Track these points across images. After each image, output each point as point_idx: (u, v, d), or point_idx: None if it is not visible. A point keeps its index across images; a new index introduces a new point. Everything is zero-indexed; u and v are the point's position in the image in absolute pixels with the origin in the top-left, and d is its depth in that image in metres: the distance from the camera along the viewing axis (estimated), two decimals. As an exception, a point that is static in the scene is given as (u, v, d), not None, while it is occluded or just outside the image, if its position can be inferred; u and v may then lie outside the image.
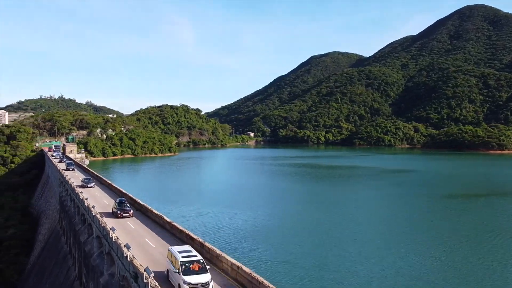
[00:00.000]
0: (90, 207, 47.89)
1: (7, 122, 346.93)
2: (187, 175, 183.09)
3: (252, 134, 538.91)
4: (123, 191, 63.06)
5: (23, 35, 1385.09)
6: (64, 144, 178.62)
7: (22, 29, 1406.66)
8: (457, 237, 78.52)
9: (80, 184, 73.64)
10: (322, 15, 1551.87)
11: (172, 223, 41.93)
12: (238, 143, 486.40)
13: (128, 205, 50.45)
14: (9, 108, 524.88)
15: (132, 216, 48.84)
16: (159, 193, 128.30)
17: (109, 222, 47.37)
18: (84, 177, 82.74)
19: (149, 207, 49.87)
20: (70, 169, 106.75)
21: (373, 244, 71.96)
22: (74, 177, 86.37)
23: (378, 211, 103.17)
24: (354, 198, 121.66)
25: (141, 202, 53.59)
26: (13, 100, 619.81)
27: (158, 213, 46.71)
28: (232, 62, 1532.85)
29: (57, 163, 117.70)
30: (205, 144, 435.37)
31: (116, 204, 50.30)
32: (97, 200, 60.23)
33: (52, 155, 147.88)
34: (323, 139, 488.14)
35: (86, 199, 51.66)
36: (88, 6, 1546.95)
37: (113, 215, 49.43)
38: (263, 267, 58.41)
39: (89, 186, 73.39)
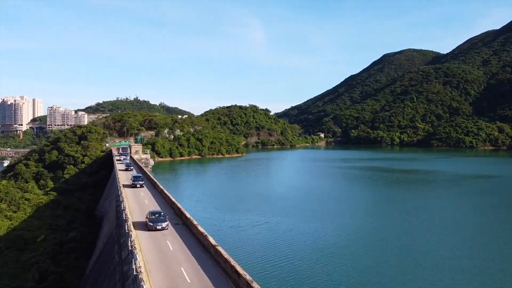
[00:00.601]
0: (128, 216, 41.35)
1: (86, 123, 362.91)
2: (251, 178, 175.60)
3: (322, 135, 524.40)
4: (172, 199, 55.75)
5: (101, 41, 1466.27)
6: (130, 145, 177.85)
7: (100, 34, 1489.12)
8: None
9: (130, 184, 71.98)
10: (395, 12, 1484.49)
11: (217, 247, 33.32)
12: (308, 144, 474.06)
13: (164, 216, 43.98)
14: (88, 110, 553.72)
15: (166, 228, 42.57)
16: (219, 197, 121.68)
17: (143, 237, 40.05)
18: (135, 174, 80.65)
19: (195, 223, 41.78)
20: (129, 169, 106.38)
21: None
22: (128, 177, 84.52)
23: (472, 229, 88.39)
24: (438, 209, 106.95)
25: (187, 215, 45.75)
26: (92, 102, 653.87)
27: (203, 231, 38.39)
28: (302, 62, 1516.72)
29: (118, 164, 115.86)
30: (273, 145, 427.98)
31: (150, 214, 44.18)
32: (139, 203, 54.98)
33: (118, 160, 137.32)
34: (397, 140, 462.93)
35: (124, 210, 44.87)
36: (160, 10, 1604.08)
37: (146, 227, 43.21)
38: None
39: (138, 186, 70.95)
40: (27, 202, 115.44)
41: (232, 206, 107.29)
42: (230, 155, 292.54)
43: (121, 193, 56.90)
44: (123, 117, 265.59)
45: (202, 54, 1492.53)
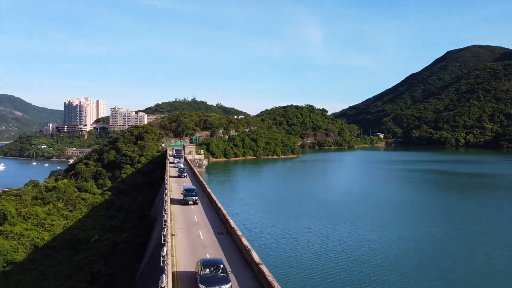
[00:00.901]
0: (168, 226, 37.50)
1: (145, 123, 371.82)
2: (306, 180, 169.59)
3: (381, 135, 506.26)
4: (219, 205, 51.63)
5: (162, 43, 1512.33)
6: (184, 145, 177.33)
7: (161, 37, 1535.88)
8: None
9: (181, 199, 60.85)
10: (458, 7, 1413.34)
11: (260, 266, 28.82)
12: (367, 145, 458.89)
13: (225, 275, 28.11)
14: (148, 111, 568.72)
15: None
16: (272, 200, 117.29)
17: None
18: (188, 187, 65.46)
19: (239, 233, 37.61)
20: (182, 176, 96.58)
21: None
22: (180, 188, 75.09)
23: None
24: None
25: (232, 223, 41.63)
26: (152, 103, 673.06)
27: (247, 244, 34.08)
28: (360, 61, 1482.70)
29: (170, 167, 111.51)
30: (331, 146, 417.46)
31: (202, 266, 28.17)
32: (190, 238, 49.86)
33: (172, 163, 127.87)
34: (462, 141, 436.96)
35: (165, 221, 41.29)
36: (219, 12, 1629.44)
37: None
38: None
39: (190, 203, 59.00)
40: (83, 201, 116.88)
41: (284, 210, 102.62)
42: (285, 156, 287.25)
43: (165, 223, 40.99)
44: (178, 117, 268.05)
45: (259, 55, 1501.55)
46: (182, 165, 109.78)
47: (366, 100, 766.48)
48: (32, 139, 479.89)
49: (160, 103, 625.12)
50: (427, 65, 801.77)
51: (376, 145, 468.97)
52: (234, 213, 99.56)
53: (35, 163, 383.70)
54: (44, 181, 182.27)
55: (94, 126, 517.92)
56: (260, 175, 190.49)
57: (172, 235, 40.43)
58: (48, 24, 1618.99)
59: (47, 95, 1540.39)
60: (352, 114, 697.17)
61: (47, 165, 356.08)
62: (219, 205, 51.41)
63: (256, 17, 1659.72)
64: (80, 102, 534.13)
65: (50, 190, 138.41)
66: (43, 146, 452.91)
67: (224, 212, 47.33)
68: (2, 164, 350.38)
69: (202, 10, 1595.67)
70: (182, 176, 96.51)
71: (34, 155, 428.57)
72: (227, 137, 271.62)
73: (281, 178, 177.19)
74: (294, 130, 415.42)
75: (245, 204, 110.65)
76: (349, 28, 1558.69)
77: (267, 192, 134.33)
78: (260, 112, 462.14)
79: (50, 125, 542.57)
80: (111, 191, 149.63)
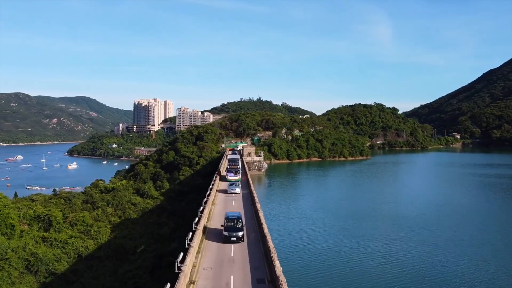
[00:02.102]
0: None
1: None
2: (376, 188, 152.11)
3: (458, 136, 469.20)
4: (268, 239, 37.98)
5: (229, 45, 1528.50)
6: (242, 147, 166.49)
7: (228, 39, 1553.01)
8: None
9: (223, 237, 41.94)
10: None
11: None
12: (441, 146, 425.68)
13: None
14: (213, 111, 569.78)
15: None
16: (334, 213, 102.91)
17: None
18: (232, 214, 44.05)
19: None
20: (232, 193, 72.12)
21: None
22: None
23: None
24: None
25: (278, 270, 29.14)
26: (218, 103, 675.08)
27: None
28: (432, 58, 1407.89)
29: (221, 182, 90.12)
30: (402, 147, 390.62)
31: None
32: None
33: (227, 167, 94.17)
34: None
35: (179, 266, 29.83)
36: (286, 12, 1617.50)
37: None
38: None
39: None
40: (133, 206, 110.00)
41: (346, 226, 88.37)
42: (353, 158, 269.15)
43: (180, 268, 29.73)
44: (240, 116, 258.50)
45: (326, 53, 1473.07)
46: (238, 189, 73.25)
47: (439, 98, 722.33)
48: (104, 138, 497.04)
49: (225, 103, 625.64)
50: (506, 60, 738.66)
51: (451, 146, 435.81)
52: (288, 229, 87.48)
53: (105, 162, 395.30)
54: (110, 180, 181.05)
55: (162, 126, 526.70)
56: (325, 180, 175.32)
57: (191, 283, 29.06)
58: (121, 28, 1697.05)
59: (120, 96, 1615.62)
60: (424, 113, 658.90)
61: (116, 164, 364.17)
62: (268, 238, 36.93)
63: (322, 16, 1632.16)
64: (148, 102, 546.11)
65: (109, 192, 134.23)
66: (113, 146, 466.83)
67: (272, 248, 33.82)
68: (75, 163, 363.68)
69: (267, 11, 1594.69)
70: (232, 192, 72.90)
71: (105, 154, 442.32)
72: (290, 138, 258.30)
73: (348, 185, 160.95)
74: (362, 130, 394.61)
75: (303, 217, 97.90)
76: (419, 25, 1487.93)
77: (331, 202, 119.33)
78: (326, 112, 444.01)
79: (121, 125, 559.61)
80: (168, 193, 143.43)
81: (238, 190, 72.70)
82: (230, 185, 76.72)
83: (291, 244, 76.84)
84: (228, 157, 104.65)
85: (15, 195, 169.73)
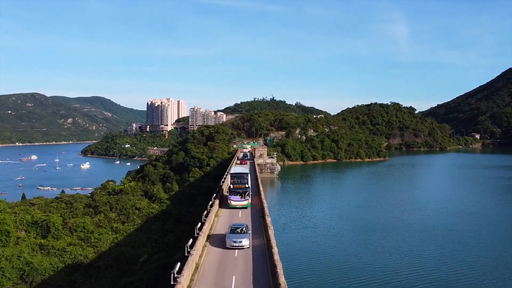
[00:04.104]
0: None
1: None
2: (398, 191, 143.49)
3: (477, 136, 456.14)
4: (276, 258, 31.53)
5: (244, 44, 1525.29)
6: (254, 148, 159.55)
7: (244, 38, 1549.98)
8: None
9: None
10: None
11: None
12: (460, 146, 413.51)
13: None
14: (226, 110, 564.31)
15: None
16: (349, 222, 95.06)
17: None
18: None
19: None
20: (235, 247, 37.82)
21: None
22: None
23: None
24: None
25: None
26: (231, 103, 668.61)
27: None
28: (449, 57, 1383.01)
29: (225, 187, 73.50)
30: (420, 147, 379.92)
31: None
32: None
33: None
34: None
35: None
36: (302, 11, 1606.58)
37: None
38: None
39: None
40: (137, 211, 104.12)
41: (365, 238, 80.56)
42: (370, 159, 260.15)
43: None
44: (252, 116, 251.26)
45: (342, 53, 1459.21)
46: (246, 240, 38.22)
47: (457, 97, 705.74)
48: (117, 138, 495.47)
49: (239, 102, 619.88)
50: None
51: (471, 146, 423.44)
52: (299, 240, 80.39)
53: (118, 162, 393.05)
54: (120, 181, 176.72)
55: (175, 126, 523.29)
56: (341, 184, 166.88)
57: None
58: (138, 29, 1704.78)
59: (134, 97, 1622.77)
60: (442, 113, 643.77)
61: (129, 164, 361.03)
62: (276, 256, 30.61)
63: (339, 15, 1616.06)
64: (161, 102, 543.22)
65: (117, 193, 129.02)
66: (127, 146, 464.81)
67: (279, 269, 27.35)
68: (88, 163, 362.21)
69: (284, 10, 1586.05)
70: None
71: (118, 154, 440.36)
72: (305, 138, 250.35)
73: (366, 188, 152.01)
74: (378, 130, 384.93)
75: (317, 226, 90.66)
76: (436, 23, 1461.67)
77: (348, 210, 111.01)
78: (341, 111, 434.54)
79: (134, 125, 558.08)
80: (177, 196, 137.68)
81: (245, 241, 38.09)
82: (232, 232, 39.61)
83: (303, 257, 69.79)
84: (230, 172, 65.11)
85: (23, 196, 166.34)
